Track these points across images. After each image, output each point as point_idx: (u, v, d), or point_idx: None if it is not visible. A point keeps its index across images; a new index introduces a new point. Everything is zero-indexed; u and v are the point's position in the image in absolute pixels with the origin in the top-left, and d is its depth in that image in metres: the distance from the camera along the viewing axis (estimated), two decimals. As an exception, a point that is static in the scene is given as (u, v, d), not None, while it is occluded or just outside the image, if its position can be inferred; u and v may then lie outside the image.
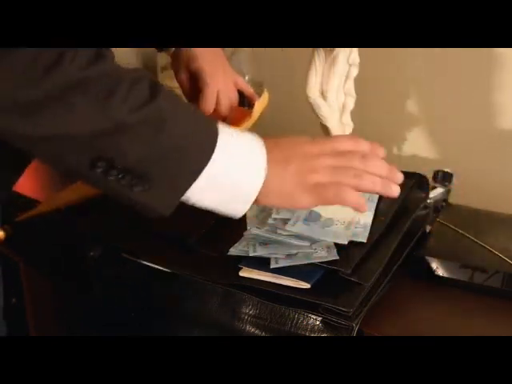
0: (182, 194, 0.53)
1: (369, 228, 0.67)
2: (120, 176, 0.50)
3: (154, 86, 0.50)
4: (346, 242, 0.65)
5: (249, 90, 0.86)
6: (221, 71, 0.82)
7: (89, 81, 0.47)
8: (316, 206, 0.58)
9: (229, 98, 0.82)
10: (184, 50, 0.81)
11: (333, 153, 0.58)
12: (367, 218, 0.68)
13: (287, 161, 0.56)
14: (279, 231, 0.67)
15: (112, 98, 0.48)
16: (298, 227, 0.67)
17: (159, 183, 0.51)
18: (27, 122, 0.47)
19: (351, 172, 0.56)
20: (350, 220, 0.68)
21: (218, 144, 0.52)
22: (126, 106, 0.48)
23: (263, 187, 0.54)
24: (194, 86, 0.82)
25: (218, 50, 0.83)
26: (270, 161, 0.55)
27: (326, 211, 0.69)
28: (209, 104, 0.79)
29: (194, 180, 0.52)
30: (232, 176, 0.53)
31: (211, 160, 0.52)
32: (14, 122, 0.47)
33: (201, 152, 0.52)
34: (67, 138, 0.48)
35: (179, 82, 0.84)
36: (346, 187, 0.55)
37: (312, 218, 0.69)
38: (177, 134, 0.51)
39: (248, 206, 0.55)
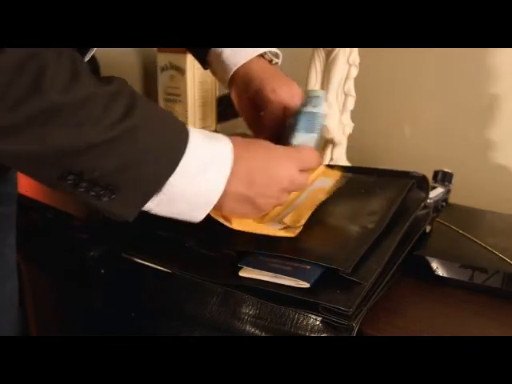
0: (144, 204, 0.56)
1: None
2: (89, 187, 0.52)
3: (130, 101, 0.51)
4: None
5: None
6: (285, 85, 0.72)
7: (64, 107, 0.47)
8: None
9: None
10: (239, 75, 0.73)
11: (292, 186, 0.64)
12: None
13: (249, 185, 0.60)
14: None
15: (86, 121, 0.48)
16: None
17: (124, 193, 0.53)
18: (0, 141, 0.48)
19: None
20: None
21: (184, 155, 0.54)
22: (99, 127, 0.49)
23: (220, 199, 0.58)
24: (258, 115, 0.74)
25: (273, 67, 0.74)
26: (232, 175, 0.58)
27: None
28: (269, 124, 0.71)
29: (156, 192, 0.54)
30: (192, 189, 0.56)
31: (174, 173, 0.54)
32: None
33: (165, 164, 0.54)
34: (37, 155, 0.49)
35: (240, 111, 0.77)
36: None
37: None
38: (145, 148, 0.52)
39: (205, 214, 0.59)
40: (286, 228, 0.68)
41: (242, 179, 0.59)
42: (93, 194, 0.52)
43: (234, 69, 0.73)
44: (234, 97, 0.76)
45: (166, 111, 0.56)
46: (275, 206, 0.67)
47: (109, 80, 0.51)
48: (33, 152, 0.48)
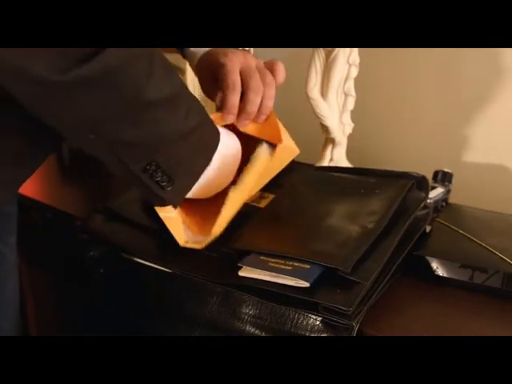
0: (189, 191, 0.63)
1: None
2: (161, 176, 0.57)
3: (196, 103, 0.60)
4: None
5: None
6: (240, 52, 0.69)
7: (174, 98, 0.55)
8: None
9: (258, 79, 0.66)
10: (202, 58, 0.73)
11: None
12: None
13: None
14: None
15: (180, 113, 0.56)
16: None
17: (180, 181, 0.60)
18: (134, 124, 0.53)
19: None
20: None
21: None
22: (187, 119, 0.57)
23: None
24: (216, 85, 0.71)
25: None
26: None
27: None
28: (231, 87, 0.66)
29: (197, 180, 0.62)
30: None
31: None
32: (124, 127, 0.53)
33: (206, 158, 0.62)
34: (145, 143, 0.55)
35: (204, 92, 0.76)
36: None
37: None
38: (202, 142, 0.60)
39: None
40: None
41: None
42: (163, 184, 0.58)
43: (200, 54, 0.73)
44: (199, 83, 0.76)
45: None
46: None
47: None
48: (140, 140, 0.54)
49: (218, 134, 0.63)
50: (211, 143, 0.62)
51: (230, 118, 0.67)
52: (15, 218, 0.78)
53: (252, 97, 0.66)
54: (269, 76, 0.67)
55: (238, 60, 0.67)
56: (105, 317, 0.74)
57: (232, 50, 0.69)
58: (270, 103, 0.67)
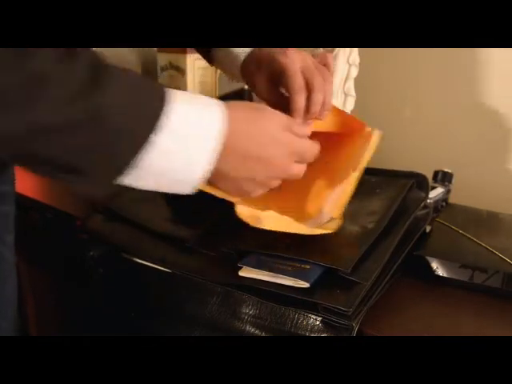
0: (114, 182, 0.50)
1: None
2: (55, 171, 0.48)
3: (94, 76, 0.46)
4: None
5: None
6: (296, 51, 0.65)
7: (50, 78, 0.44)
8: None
9: (320, 77, 0.64)
10: (248, 61, 0.69)
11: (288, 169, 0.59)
12: None
13: (244, 161, 0.55)
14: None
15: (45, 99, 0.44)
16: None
17: (92, 174, 0.49)
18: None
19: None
20: None
21: (160, 132, 0.48)
22: (62, 106, 0.44)
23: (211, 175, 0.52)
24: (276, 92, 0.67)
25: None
26: (226, 148, 0.52)
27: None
28: (298, 89, 0.62)
29: (127, 170, 0.49)
30: (171, 166, 0.50)
31: (147, 150, 0.48)
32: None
33: (135, 142, 0.48)
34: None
35: (258, 94, 0.69)
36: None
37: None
38: (112, 128, 0.47)
39: (194, 189, 0.53)
40: (328, 222, 0.65)
41: (230, 160, 0.54)
42: (61, 176, 0.48)
43: (244, 55, 0.69)
44: (250, 85, 0.70)
45: (143, 79, 0.50)
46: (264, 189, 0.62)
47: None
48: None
49: (153, 118, 0.49)
50: (136, 128, 0.48)
51: (299, 121, 0.63)
52: (12, 217, 0.77)
53: (317, 97, 0.63)
54: (326, 72, 0.65)
55: (298, 59, 0.64)
56: (105, 317, 0.74)
57: (288, 48, 0.66)
58: (331, 99, 0.66)
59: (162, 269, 0.69)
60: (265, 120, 0.56)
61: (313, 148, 0.61)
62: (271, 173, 0.57)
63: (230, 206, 0.67)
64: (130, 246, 0.73)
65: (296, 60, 0.64)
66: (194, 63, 1.15)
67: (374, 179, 0.77)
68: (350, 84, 0.90)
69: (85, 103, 0.45)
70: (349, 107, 0.92)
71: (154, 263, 0.70)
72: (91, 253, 0.75)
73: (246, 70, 0.69)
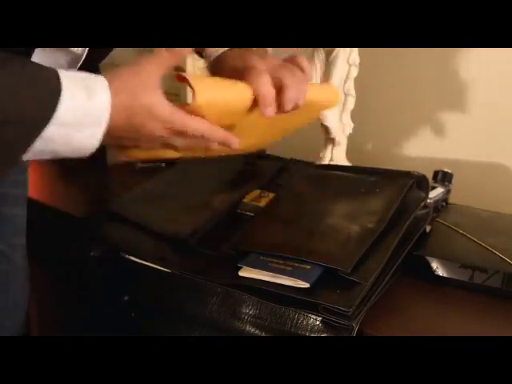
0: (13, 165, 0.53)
1: None
2: None
3: None
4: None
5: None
6: (263, 53, 0.65)
7: None
8: None
9: (291, 77, 0.62)
10: (215, 60, 0.69)
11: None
12: None
13: (129, 133, 0.56)
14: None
15: None
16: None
17: None
18: None
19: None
20: None
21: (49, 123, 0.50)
22: None
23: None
24: None
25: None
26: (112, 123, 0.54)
27: None
28: (262, 85, 0.60)
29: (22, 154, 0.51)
30: (64, 148, 0.53)
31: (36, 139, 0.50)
32: None
33: (25, 133, 0.50)
34: None
35: None
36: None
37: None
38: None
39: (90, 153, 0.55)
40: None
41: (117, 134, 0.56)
42: None
43: (214, 55, 0.69)
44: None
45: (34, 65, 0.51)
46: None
47: None
48: None
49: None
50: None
51: (269, 111, 0.60)
52: (22, 221, 0.77)
53: (289, 95, 0.61)
54: (298, 72, 0.64)
55: (264, 62, 0.63)
56: (105, 317, 0.74)
57: (253, 50, 0.66)
58: (303, 98, 0.63)
59: (162, 269, 0.69)
60: (146, 95, 0.56)
61: (197, 125, 0.59)
62: (154, 142, 0.59)
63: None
64: (130, 246, 0.73)
65: (262, 62, 0.63)
66: (194, 63, 1.15)
67: (373, 179, 0.77)
68: (350, 84, 0.90)
69: None
70: (349, 107, 0.92)
71: (154, 263, 0.70)
72: (91, 253, 0.75)
73: (215, 70, 0.69)
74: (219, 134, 0.59)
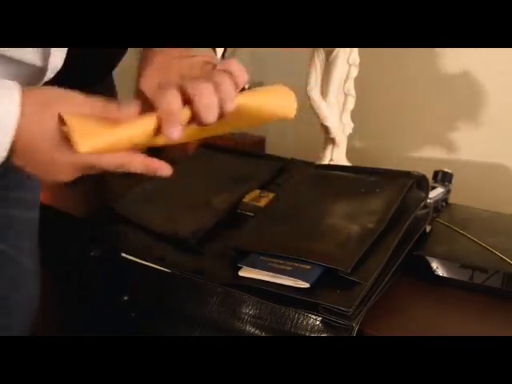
0: None
1: None
2: None
3: None
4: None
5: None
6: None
7: None
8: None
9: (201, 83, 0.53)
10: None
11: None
12: None
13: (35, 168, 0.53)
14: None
15: None
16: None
17: None
18: None
19: None
20: None
21: None
22: None
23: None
24: None
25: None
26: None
27: None
28: (163, 105, 0.51)
29: None
30: None
31: None
32: None
33: None
34: None
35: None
36: None
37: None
38: None
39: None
40: None
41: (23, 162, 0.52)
42: None
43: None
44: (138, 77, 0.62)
45: None
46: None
47: None
48: None
49: None
50: None
51: (174, 132, 0.51)
52: (34, 225, 0.76)
53: (202, 103, 0.52)
54: (218, 75, 0.55)
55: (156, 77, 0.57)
56: (105, 317, 0.74)
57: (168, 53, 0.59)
58: (232, 100, 0.54)
59: (162, 269, 0.69)
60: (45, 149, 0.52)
61: (108, 161, 0.53)
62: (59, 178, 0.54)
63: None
64: (130, 246, 0.73)
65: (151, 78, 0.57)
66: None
67: (373, 179, 0.77)
68: (350, 84, 0.90)
69: None
70: (349, 107, 0.92)
71: (154, 263, 0.70)
72: (91, 253, 0.75)
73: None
74: (137, 163, 0.54)
